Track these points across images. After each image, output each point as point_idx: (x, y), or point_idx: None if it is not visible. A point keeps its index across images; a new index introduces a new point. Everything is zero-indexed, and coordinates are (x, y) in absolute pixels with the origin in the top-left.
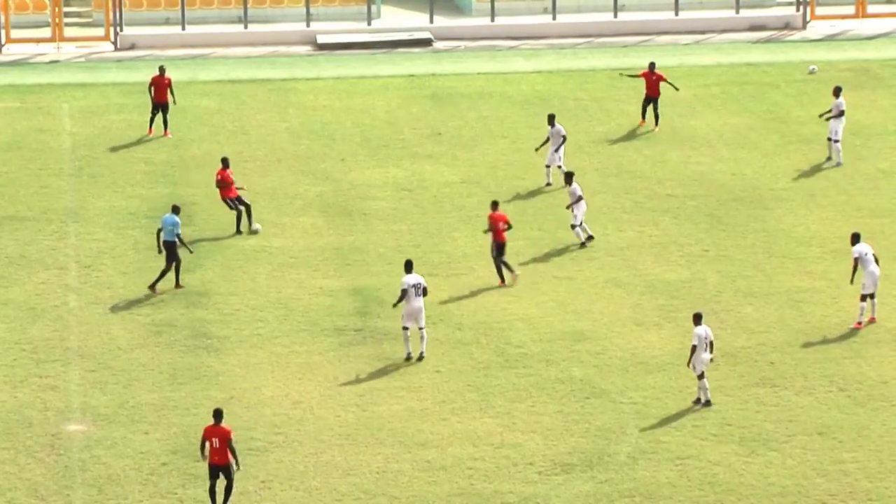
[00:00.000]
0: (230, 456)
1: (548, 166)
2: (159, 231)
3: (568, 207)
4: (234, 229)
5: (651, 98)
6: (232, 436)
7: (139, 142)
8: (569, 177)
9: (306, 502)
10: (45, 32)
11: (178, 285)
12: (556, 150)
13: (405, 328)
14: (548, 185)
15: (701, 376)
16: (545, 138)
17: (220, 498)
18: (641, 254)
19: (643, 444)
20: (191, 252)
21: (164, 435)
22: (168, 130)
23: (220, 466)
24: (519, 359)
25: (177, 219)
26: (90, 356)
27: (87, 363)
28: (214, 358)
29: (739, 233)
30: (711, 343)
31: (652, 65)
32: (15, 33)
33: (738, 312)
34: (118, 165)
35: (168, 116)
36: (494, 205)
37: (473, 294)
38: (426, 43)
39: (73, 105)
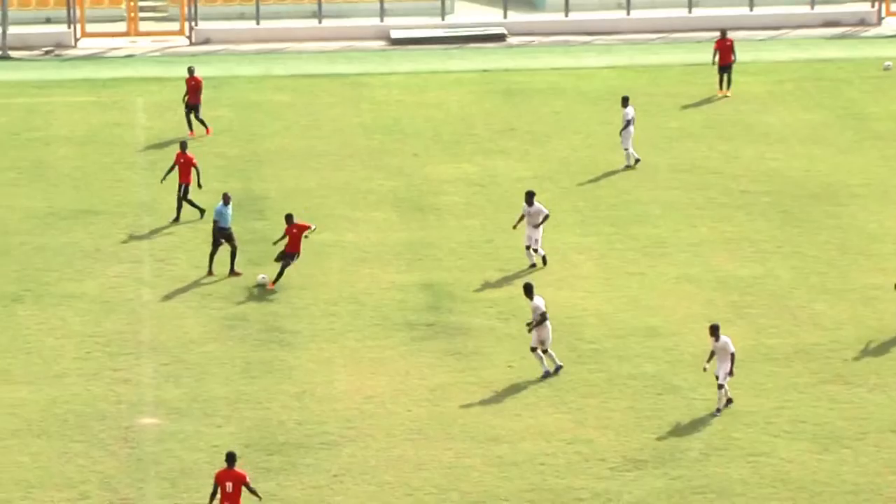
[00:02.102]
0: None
1: (625, 149)
2: (216, 222)
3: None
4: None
5: (725, 65)
6: (248, 479)
7: (213, 136)
8: (530, 196)
9: (378, 497)
10: (121, 27)
11: (233, 272)
12: (622, 132)
13: (535, 349)
14: (627, 167)
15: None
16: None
17: None
18: (714, 250)
19: (715, 440)
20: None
21: (237, 428)
22: (209, 128)
23: None
24: (591, 355)
25: (229, 208)
26: (163, 349)
27: (161, 356)
28: (287, 352)
29: (813, 229)
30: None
31: (723, 32)
32: (90, 27)
33: (811, 309)
34: None
35: (202, 116)
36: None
37: (546, 289)
38: (499, 38)
39: (148, 99)
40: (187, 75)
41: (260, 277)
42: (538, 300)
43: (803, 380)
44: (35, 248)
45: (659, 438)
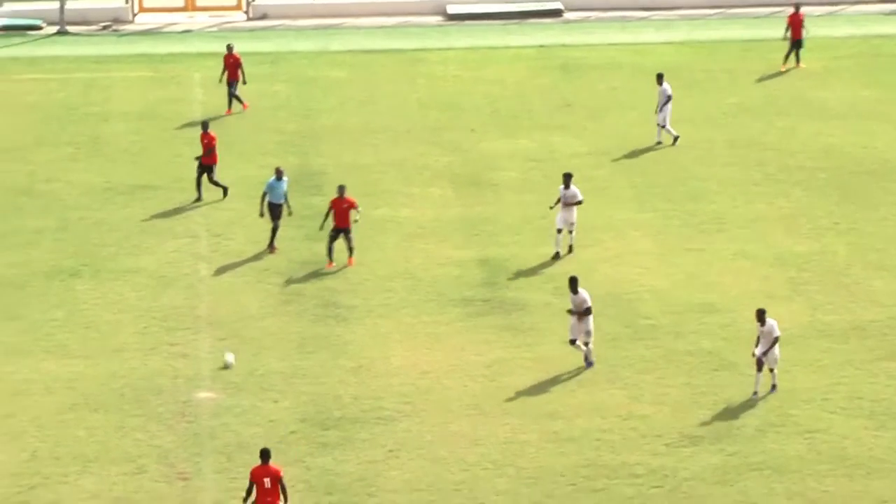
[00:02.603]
0: (281, 498)
1: (660, 126)
2: (264, 195)
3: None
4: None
5: (797, 40)
6: (282, 475)
7: (270, 112)
8: (567, 178)
9: (433, 472)
10: (178, 2)
11: (271, 247)
12: (660, 110)
13: (574, 342)
14: (658, 143)
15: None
16: (664, 99)
17: None
18: (771, 226)
19: (772, 417)
20: (290, 214)
21: (293, 403)
22: (245, 103)
23: None
24: (647, 331)
25: (282, 183)
26: (220, 324)
27: (217, 331)
28: (343, 327)
29: (870, 205)
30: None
31: (797, 6)
32: (148, 2)
33: (868, 286)
34: (249, 135)
35: (238, 93)
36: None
37: (602, 265)
38: (556, 13)
39: (205, 75)
40: (226, 52)
41: (228, 358)
42: (584, 293)
43: (860, 356)
44: (93, 222)
45: (715, 415)
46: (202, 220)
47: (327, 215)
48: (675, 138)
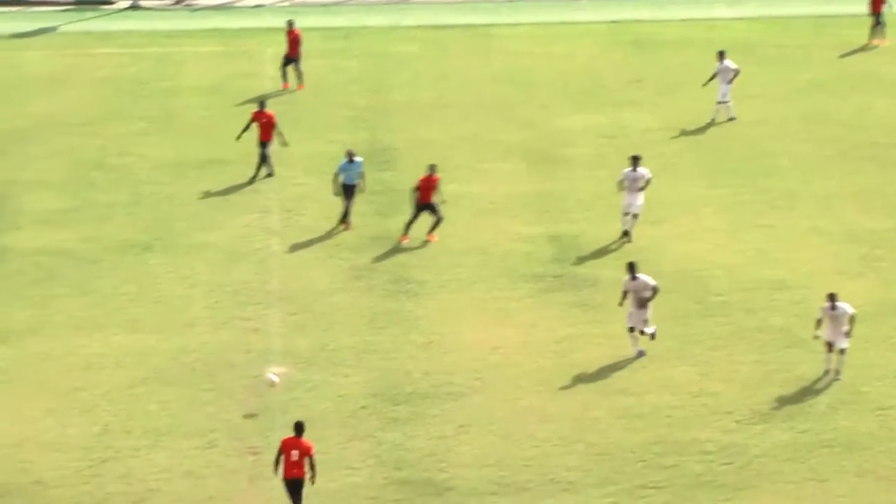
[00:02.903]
0: (307, 472)
1: (720, 102)
2: (336, 175)
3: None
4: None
5: (878, 13)
6: (313, 452)
7: (341, 87)
8: (635, 161)
9: (503, 447)
10: None
11: (344, 222)
12: (728, 82)
13: (633, 329)
14: (730, 119)
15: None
16: (711, 74)
17: None
18: (844, 202)
19: (843, 394)
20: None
21: (364, 378)
22: (302, 83)
23: (298, 480)
24: (718, 307)
25: (355, 165)
26: (291, 299)
27: (288, 306)
28: (414, 302)
29: None
30: None
31: None
32: None
33: None
34: (320, 110)
35: (301, 68)
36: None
37: (673, 242)
38: None
39: (276, 50)
40: (287, 28)
41: (271, 377)
42: (644, 278)
43: None
44: (165, 197)
45: (786, 392)
46: (273, 195)
47: (416, 191)
48: (731, 118)
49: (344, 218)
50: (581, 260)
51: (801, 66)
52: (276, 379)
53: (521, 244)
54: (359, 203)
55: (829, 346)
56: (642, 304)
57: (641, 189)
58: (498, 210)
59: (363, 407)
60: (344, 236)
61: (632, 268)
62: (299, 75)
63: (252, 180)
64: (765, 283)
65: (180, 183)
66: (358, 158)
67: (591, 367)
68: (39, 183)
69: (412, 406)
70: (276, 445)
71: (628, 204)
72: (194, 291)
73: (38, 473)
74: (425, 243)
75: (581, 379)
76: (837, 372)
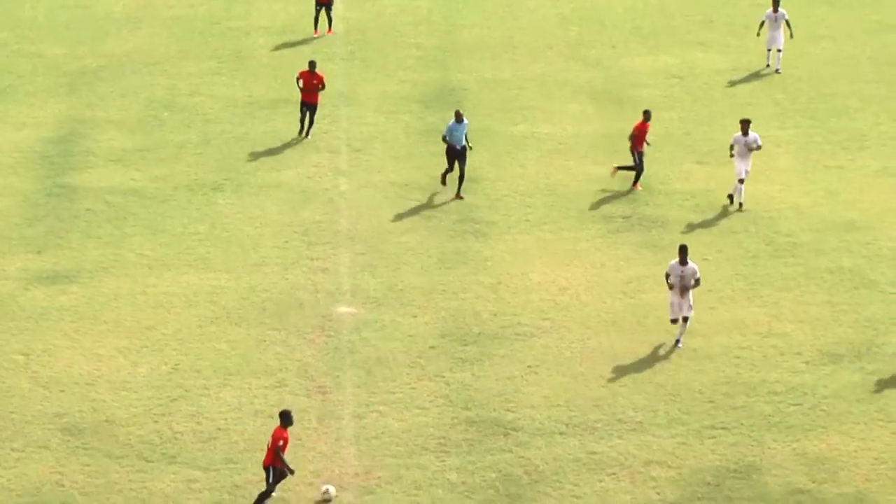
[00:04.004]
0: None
1: (772, 49)
2: (444, 137)
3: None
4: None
5: None
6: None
7: (411, 27)
8: (745, 125)
9: (572, 388)
10: None
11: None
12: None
13: (676, 321)
14: (767, 66)
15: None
16: (761, 22)
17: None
18: None
19: None
20: (470, 149)
21: (432, 318)
22: (331, 28)
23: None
24: (787, 248)
25: (462, 126)
26: (360, 239)
27: (357, 246)
28: (482, 243)
29: None
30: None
31: None
32: None
33: None
34: (390, 50)
35: (332, 14)
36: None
37: (745, 183)
38: None
39: None
40: None
41: (324, 490)
42: (693, 265)
43: None
44: (235, 137)
45: (855, 333)
46: (343, 135)
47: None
48: (776, 70)
49: (452, 179)
50: (650, 200)
51: (871, 6)
52: (332, 492)
53: (590, 185)
54: (428, 143)
55: None
56: (685, 291)
57: (751, 152)
58: (566, 150)
59: (432, 347)
60: (412, 176)
61: (683, 252)
62: (329, 21)
63: (307, 134)
64: (834, 224)
65: (250, 123)
66: (465, 120)
67: (660, 308)
68: (110, 122)
69: (480, 346)
70: (345, 385)
71: (740, 170)
72: (263, 231)
73: (109, 411)
74: (495, 181)
75: (650, 319)
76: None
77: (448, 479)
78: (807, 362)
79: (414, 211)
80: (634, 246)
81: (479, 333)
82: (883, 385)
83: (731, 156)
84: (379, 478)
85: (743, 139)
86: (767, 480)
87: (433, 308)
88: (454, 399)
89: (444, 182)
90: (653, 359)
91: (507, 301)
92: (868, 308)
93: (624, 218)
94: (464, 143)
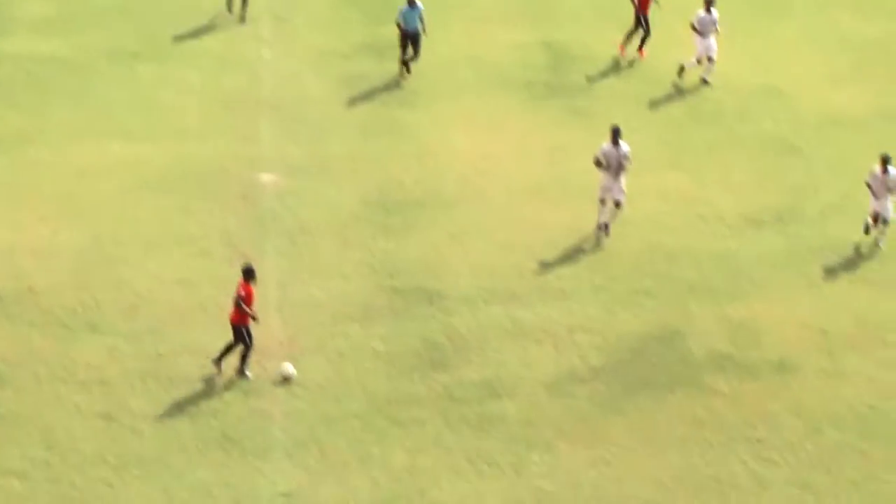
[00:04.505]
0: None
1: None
2: (398, 24)
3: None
4: None
5: None
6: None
7: None
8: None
9: (496, 256)
10: None
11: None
12: None
13: (604, 201)
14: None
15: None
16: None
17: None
18: (838, 8)
19: (835, 200)
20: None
21: (356, 187)
22: None
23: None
24: (712, 114)
25: (416, 10)
26: (282, 107)
27: (280, 114)
28: (406, 111)
29: None
30: None
31: None
32: None
33: None
34: None
35: None
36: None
37: (667, 51)
38: None
39: None
40: None
41: (285, 368)
42: (626, 147)
43: None
44: (155, 3)
45: (778, 198)
46: (264, 2)
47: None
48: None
49: (406, 67)
50: (574, 67)
51: None
52: (290, 370)
53: (514, 52)
54: (349, 8)
55: (876, 218)
56: (618, 173)
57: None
58: (491, 18)
59: (355, 216)
60: (335, 43)
61: (615, 133)
62: None
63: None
64: (758, 91)
65: None
66: (419, 5)
67: (583, 175)
68: None
69: (404, 215)
70: (268, 252)
71: (707, 48)
72: (186, 99)
73: (31, 280)
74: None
75: (573, 187)
76: (877, 244)
77: (372, 347)
78: (730, 228)
79: (337, 79)
80: (559, 113)
81: (403, 202)
82: (806, 251)
83: (697, 32)
84: (303, 346)
85: (707, 17)
86: (691, 346)
87: (356, 177)
88: (378, 267)
89: (408, 70)
90: (577, 226)
91: (430, 169)
92: (791, 174)
93: (548, 85)
94: (417, 27)
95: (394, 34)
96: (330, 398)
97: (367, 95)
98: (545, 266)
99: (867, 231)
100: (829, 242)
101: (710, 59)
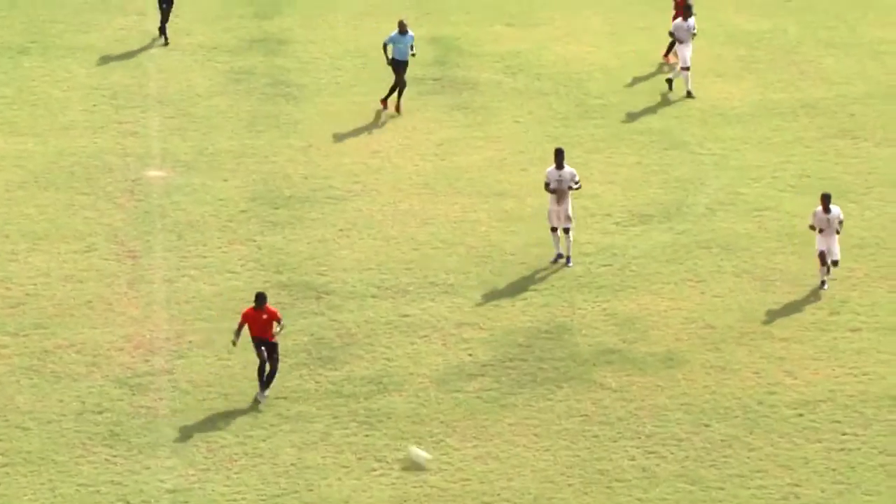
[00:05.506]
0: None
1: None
2: (385, 46)
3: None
4: None
5: None
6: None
7: None
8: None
9: (384, 251)
10: None
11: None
12: None
13: (556, 230)
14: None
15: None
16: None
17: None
18: (722, 3)
19: (721, 195)
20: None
21: (243, 182)
22: None
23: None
24: (597, 109)
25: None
26: (170, 102)
27: (167, 109)
28: (293, 106)
29: None
30: None
31: None
32: None
33: (818, 63)
34: None
35: None
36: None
37: (553, 44)
38: None
39: None
40: None
41: (418, 456)
42: (570, 170)
43: (809, 134)
44: None
45: (665, 193)
46: None
47: None
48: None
49: (389, 94)
50: (461, 62)
51: None
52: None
53: None
54: (237, 4)
55: (823, 258)
56: (563, 197)
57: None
58: (376, 13)
59: (243, 211)
60: (221, 38)
61: (559, 155)
62: None
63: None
64: (644, 85)
65: None
66: (410, 32)
67: (472, 170)
68: None
69: (292, 210)
70: (155, 249)
71: (685, 57)
72: (72, 94)
73: None
74: (306, 44)
75: (461, 182)
76: (823, 283)
77: None
78: (617, 223)
79: (223, 74)
80: (445, 108)
81: (291, 197)
82: (692, 245)
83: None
84: (190, 342)
85: (684, 25)
86: (578, 340)
87: (244, 172)
88: (266, 263)
89: (386, 104)
90: (464, 221)
91: (318, 164)
92: (677, 168)
93: (435, 80)
94: (408, 56)
95: (281, 28)
96: (217, 394)
97: (255, 90)
98: (433, 261)
99: (824, 284)
100: (716, 237)
101: (685, 68)
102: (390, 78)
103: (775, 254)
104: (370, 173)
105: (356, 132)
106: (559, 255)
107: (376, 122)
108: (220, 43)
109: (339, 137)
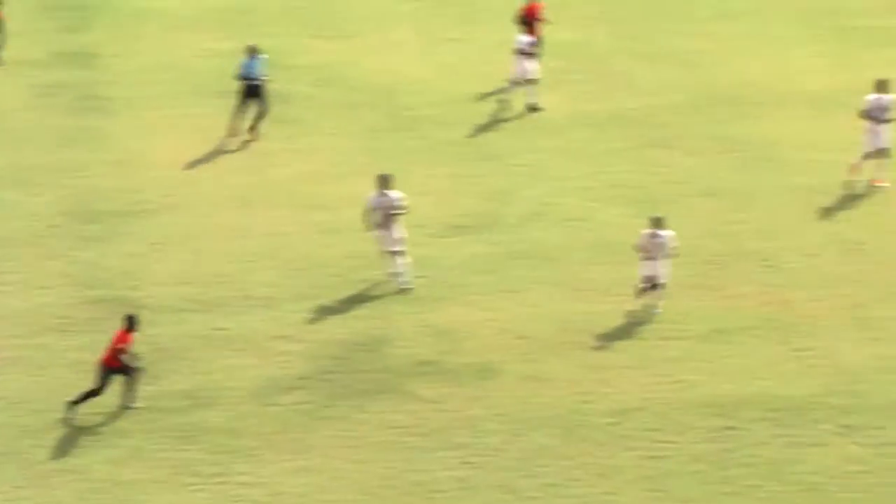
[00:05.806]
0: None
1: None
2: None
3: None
4: None
5: None
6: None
7: None
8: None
9: (198, 264)
10: None
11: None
12: None
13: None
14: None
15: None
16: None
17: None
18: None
19: (535, 206)
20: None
21: (55, 197)
22: None
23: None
24: (409, 122)
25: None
26: None
27: None
28: (104, 119)
29: None
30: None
31: None
32: None
33: (629, 75)
34: None
35: None
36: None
37: (364, 57)
38: None
39: None
40: None
41: None
42: (395, 194)
43: (621, 145)
44: None
45: (479, 204)
46: None
47: None
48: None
49: (256, 121)
50: (273, 75)
51: None
52: None
53: (212, 60)
54: (40, 19)
55: (648, 285)
56: (388, 221)
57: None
58: (188, 25)
59: (55, 226)
60: (30, 52)
61: (384, 181)
62: None
63: None
64: (456, 97)
65: None
66: (260, 55)
67: (286, 183)
68: None
69: (105, 224)
70: None
71: (522, 71)
72: None
73: None
74: (115, 57)
75: (276, 195)
76: (656, 308)
77: (72, 359)
78: (431, 235)
79: (32, 88)
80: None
81: (103, 211)
82: (506, 256)
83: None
84: (2, 358)
85: (526, 39)
86: (395, 352)
87: (55, 186)
88: (78, 278)
89: (235, 130)
90: (280, 234)
91: (130, 178)
92: (491, 179)
93: None
94: (259, 80)
95: (91, 42)
96: (29, 410)
97: (65, 104)
98: (248, 274)
99: (638, 296)
100: (530, 248)
101: (528, 82)
102: (205, 92)
103: (588, 264)
104: (184, 186)
105: (169, 145)
106: (394, 275)
107: (189, 135)
108: (28, 57)
109: (151, 151)
